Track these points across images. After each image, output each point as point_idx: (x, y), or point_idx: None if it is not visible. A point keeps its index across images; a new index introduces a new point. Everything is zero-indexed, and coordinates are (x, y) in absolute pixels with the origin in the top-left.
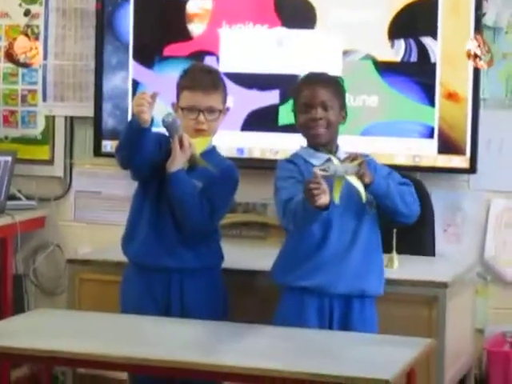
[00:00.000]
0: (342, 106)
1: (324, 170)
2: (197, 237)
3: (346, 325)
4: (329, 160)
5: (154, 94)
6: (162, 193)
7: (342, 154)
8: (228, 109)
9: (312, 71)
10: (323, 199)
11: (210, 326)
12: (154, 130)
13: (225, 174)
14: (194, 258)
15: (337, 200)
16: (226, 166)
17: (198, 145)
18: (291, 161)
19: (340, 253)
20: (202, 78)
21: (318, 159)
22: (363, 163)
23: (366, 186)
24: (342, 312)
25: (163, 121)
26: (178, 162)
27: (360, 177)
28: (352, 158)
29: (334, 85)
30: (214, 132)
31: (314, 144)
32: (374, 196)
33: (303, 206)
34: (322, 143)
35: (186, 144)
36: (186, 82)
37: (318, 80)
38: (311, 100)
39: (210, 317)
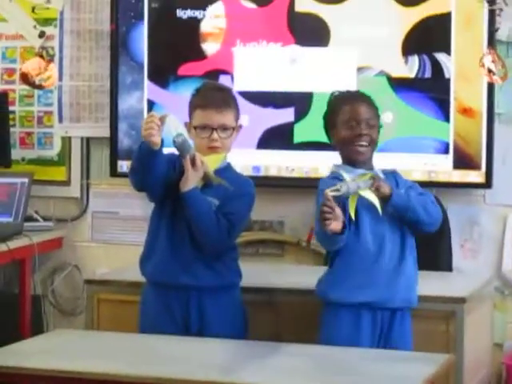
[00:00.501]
0: (379, 125)
1: (336, 190)
2: (216, 254)
3: (388, 338)
4: (341, 180)
5: (163, 116)
6: (178, 212)
7: (377, 172)
8: (241, 126)
9: (344, 91)
10: (333, 225)
11: (229, 344)
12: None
13: (241, 190)
14: (212, 276)
15: (353, 216)
16: (242, 182)
17: (211, 162)
18: (336, 177)
19: (393, 266)
20: (213, 95)
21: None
22: (376, 177)
23: (386, 199)
24: (388, 325)
25: (174, 141)
26: (190, 182)
27: (376, 189)
28: (363, 174)
29: (374, 104)
30: (228, 149)
31: (355, 161)
32: (396, 207)
33: (319, 228)
34: (364, 160)
35: (198, 163)
36: (198, 101)
37: (359, 98)
38: (356, 116)
39: (229, 335)
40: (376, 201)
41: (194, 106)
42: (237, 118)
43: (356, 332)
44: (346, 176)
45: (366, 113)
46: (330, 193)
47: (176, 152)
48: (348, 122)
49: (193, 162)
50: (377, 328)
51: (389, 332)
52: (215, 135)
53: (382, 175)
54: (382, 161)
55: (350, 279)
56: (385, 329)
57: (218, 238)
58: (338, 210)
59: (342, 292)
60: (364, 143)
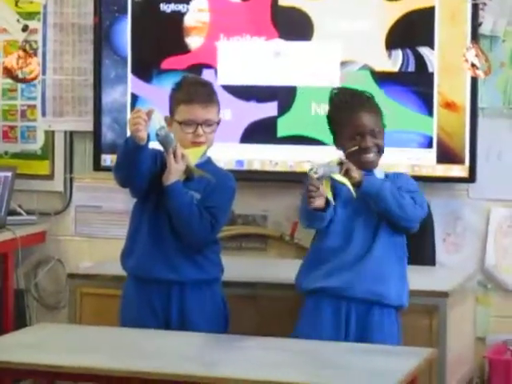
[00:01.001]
0: (383, 125)
1: (314, 172)
2: (198, 248)
3: (363, 333)
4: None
5: (150, 111)
6: (160, 206)
7: (380, 171)
8: (220, 120)
9: (343, 87)
10: (318, 202)
11: (210, 338)
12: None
13: (222, 184)
14: (193, 270)
15: (330, 198)
16: (222, 176)
17: (193, 155)
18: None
19: (359, 257)
20: (197, 91)
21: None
22: (343, 161)
23: (358, 185)
24: (359, 319)
25: (157, 135)
26: (173, 175)
27: (346, 173)
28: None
29: (377, 107)
30: (211, 144)
31: (365, 169)
32: (365, 193)
33: (305, 206)
34: (373, 168)
35: (179, 156)
36: (182, 96)
37: (362, 105)
38: (360, 129)
39: (210, 329)
40: (348, 183)
41: (177, 100)
42: (219, 111)
43: (316, 320)
44: (317, 161)
45: (369, 123)
46: (313, 175)
47: (158, 146)
48: (352, 135)
49: (174, 155)
50: (340, 318)
51: (364, 328)
52: (200, 131)
53: (382, 176)
54: None
55: (315, 267)
56: (353, 322)
57: (201, 231)
58: (321, 188)
59: (308, 280)
60: (370, 155)
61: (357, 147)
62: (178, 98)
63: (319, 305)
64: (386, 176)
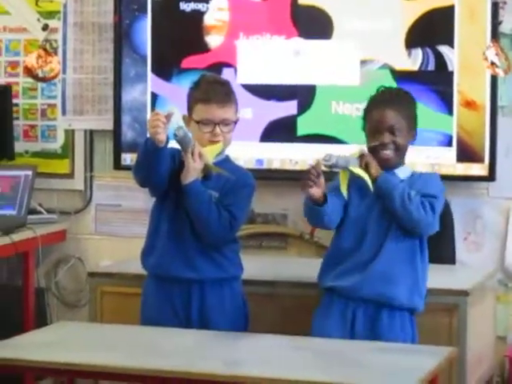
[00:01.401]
0: (412, 125)
1: (325, 160)
2: (218, 246)
3: (371, 335)
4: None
5: (169, 114)
6: (180, 205)
7: (405, 170)
8: (238, 119)
9: (384, 87)
10: (313, 190)
11: (230, 337)
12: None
13: (241, 182)
14: (213, 269)
15: (344, 192)
16: (241, 174)
17: (210, 153)
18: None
19: (370, 258)
20: (215, 90)
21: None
22: (365, 156)
23: (374, 181)
24: (367, 321)
25: (175, 135)
26: (191, 174)
27: (366, 167)
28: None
29: (404, 105)
30: (228, 143)
31: (382, 167)
32: (378, 189)
33: (305, 200)
34: (392, 166)
35: (198, 155)
36: (200, 95)
37: (386, 101)
38: (379, 125)
39: (230, 328)
40: (367, 177)
41: (195, 99)
42: (236, 111)
43: (326, 319)
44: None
45: (389, 119)
46: (321, 161)
47: (176, 145)
48: (372, 131)
49: (192, 154)
50: (346, 319)
51: (372, 329)
52: (218, 130)
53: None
54: None
55: (333, 267)
56: (360, 323)
57: (220, 229)
58: (322, 180)
59: (325, 278)
60: (387, 152)
61: (376, 143)
62: (195, 96)
63: (329, 304)
64: (412, 175)
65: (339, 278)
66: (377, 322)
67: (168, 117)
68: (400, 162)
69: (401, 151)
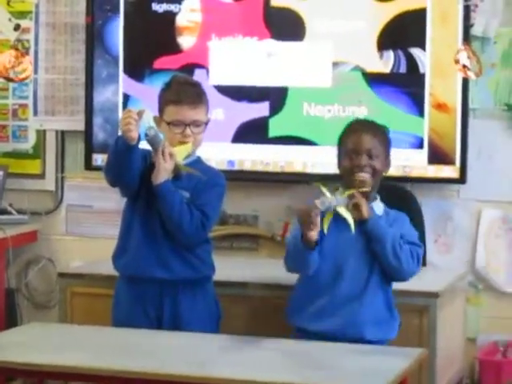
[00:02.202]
0: (388, 154)
1: (321, 205)
2: (190, 246)
3: None
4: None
5: (141, 111)
6: (151, 205)
7: (380, 203)
8: (209, 120)
9: (359, 118)
10: (312, 233)
11: (202, 338)
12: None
13: (212, 181)
14: (186, 269)
15: (326, 231)
16: (212, 174)
17: (180, 153)
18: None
19: (351, 299)
20: (186, 91)
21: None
22: (355, 195)
23: (363, 221)
24: None
25: (146, 135)
26: (162, 174)
27: (354, 208)
28: (342, 190)
29: (381, 134)
30: (199, 144)
31: (359, 191)
32: (368, 233)
33: (294, 242)
34: (366, 190)
35: (168, 155)
36: (171, 96)
37: (365, 127)
38: (357, 146)
39: (202, 329)
40: (350, 219)
41: (166, 101)
42: (207, 112)
43: None
44: (325, 191)
45: (368, 143)
46: (318, 205)
47: (146, 146)
48: (350, 152)
49: (163, 154)
50: None
51: None
52: (188, 131)
53: (381, 209)
54: None
55: (307, 304)
56: None
57: (192, 229)
58: (317, 221)
59: (300, 317)
60: (363, 174)
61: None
62: (166, 98)
63: None
64: (387, 213)
65: (319, 320)
66: None
67: (140, 114)
68: (374, 188)
69: (376, 177)
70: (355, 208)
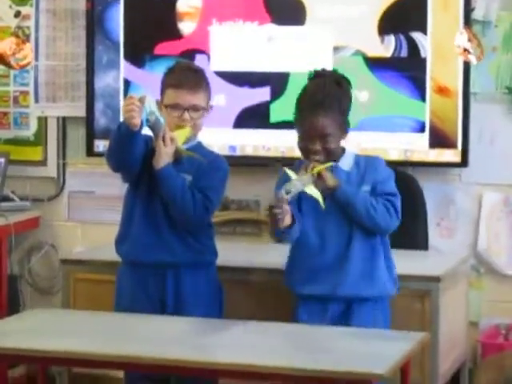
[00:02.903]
0: (344, 122)
1: (287, 192)
2: (194, 230)
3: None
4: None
5: (142, 97)
6: (153, 190)
7: (348, 157)
8: (212, 107)
9: (316, 73)
10: (286, 221)
11: (204, 323)
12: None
13: (214, 165)
14: (188, 253)
15: (320, 200)
16: (214, 157)
17: (179, 137)
18: (286, 173)
19: (337, 260)
20: (186, 76)
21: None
22: (321, 170)
23: (332, 190)
24: (340, 314)
25: (147, 120)
26: (163, 159)
27: (319, 179)
28: (306, 167)
29: (336, 105)
30: (199, 129)
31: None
32: (338, 201)
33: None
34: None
35: (169, 139)
36: (171, 80)
37: (317, 106)
38: (309, 132)
39: (205, 313)
40: (319, 196)
41: (166, 84)
42: (208, 98)
43: (306, 321)
44: (292, 175)
45: (320, 128)
46: (284, 196)
47: (148, 132)
48: (303, 135)
49: (164, 139)
50: (327, 318)
51: (345, 321)
52: (186, 115)
53: (351, 161)
54: (358, 139)
55: (297, 271)
56: (335, 317)
57: (195, 212)
58: (286, 207)
59: (293, 282)
60: (317, 157)
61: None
62: (167, 82)
63: (311, 309)
64: (357, 163)
65: (311, 282)
66: (348, 316)
67: (141, 100)
68: (336, 154)
69: (332, 154)
70: (320, 179)
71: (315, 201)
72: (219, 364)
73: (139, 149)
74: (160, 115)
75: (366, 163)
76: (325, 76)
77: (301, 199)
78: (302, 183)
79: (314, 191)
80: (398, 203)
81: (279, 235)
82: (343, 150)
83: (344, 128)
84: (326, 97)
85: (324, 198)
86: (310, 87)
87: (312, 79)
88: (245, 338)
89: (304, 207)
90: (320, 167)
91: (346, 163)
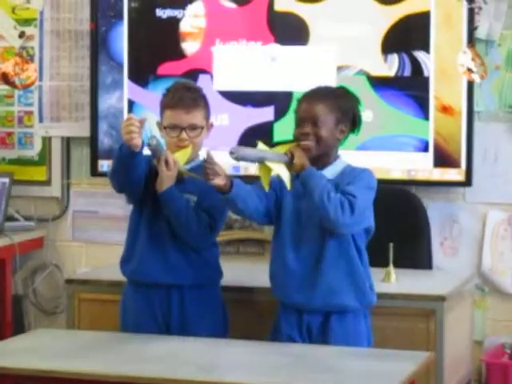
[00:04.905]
0: (341, 120)
1: (231, 153)
2: (200, 249)
3: (324, 339)
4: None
5: (142, 119)
6: (157, 211)
7: (338, 165)
8: (212, 125)
9: (319, 86)
10: (216, 180)
11: (209, 343)
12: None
13: None
14: (193, 274)
15: (266, 187)
16: None
17: (180, 157)
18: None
19: (310, 269)
20: (182, 96)
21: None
22: (291, 148)
23: (300, 170)
24: (320, 326)
25: (148, 144)
26: (166, 182)
27: (291, 158)
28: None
29: (337, 101)
30: (199, 148)
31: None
32: (302, 182)
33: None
34: (312, 157)
35: (171, 162)
36: (168, 101)
37: (315, 94)
38: (303, 114)
39: (210, 333)
40: (286, 176)
41: (163, 105)
42: (207, 116)
43: (281, 328)
44: (263, 147)
45: (313, 110)
46: (209, 153)
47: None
48: (298, 120)
49: (166, 161)
50: (302, 329)
51: (325, 334)
52: (184, 135)
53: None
54: (362, 159)
55: (276, 278)
56: (315, 330)
57: (200, 232)
58: (218, 167)
59: (276, 288)
60: (307, 142)
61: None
62: (164, 103)
63: (288, 316)
64: (343, 171)
65: (289, 292)
66: (328, 329)
67: (141, 122)
68: (326, 155)
69: (323, 144)
70: (291, 157)
71: (293, 213)
72: (223, 383)
73: (141, 169)
74: (161, 137)
75: (350, 173)
76: (331, 86)
77: (283, 208)
78: (262, 156)
79: (280, 170)
80: (357, 205)
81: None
82: (336, 158)
83: (340, 126)
84: (325, 89)
85: (292, 180)
86: (316, 87)
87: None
88: (249, 358)
89: (283, 218)
90: (292, 148)
91: (331, 171)
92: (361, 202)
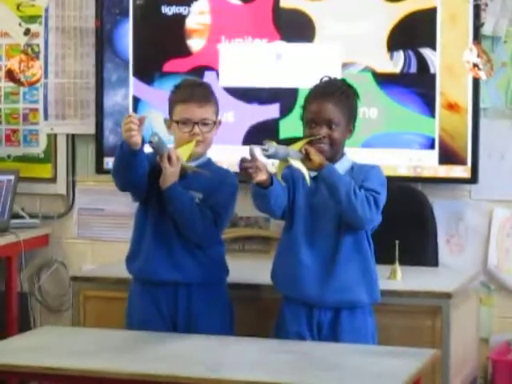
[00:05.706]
0: (350, 120)
1: (264, 150)
2: (205, 246)
3: (334, 335)
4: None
5: (142, 117)
6: (163, 208)
7: (345, 162)
8: (220, 122)
9: (327, 77)
10: (260, 176)
11: (216, 341)
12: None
13: (223, 181)
14: (200, 271)
15: (283, 183)
16: (223, 173)
17: (183, 153)
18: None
19: (325, 263)
20: (194, 90)
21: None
22: (307, 147)
23: (319, 169)
24: (330, 322)
25: (150, 142)
26: (169, 178)
27: (307, 156)
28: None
29: (345, 99)
30: (209, 144)
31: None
32: (323, 180)
33: (252, 186)
34: (328, 159)
35: (174, 159)
36: (179, 96)
37: (327, 94)
38: (317, 116)
39: (216, 330)
40: (305, 171)
41: (174, 101)
42: (217, 112)
43: (287, 324)
44: (276, 144)
45: (328, 113)
46: (255, 150)
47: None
48: (309, 122)
49: (169, 158)
50: (313, 325)
51: (335, 329)
52: (197, 129)
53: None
54: (367, 156)
55: (283, 272)
56: (326, 325)
57: (205, 228)
58: (259, 163)
59: (283, 283)
60: (322, 145)
61: (314, 137)
62: (176, 98)
63: (297, 312)
64: (352, 168)
65: (299, 287)
66: (339, 324)
67: (141, 120)
68: (336, 155)
69: (336, 146)
70: (308, 159)
71: (306, 208)
72: (231, 382)
73: (143, 167)
74: (168, 133)
75: (359, 170)
76: (336, 79)
77: (295, 203)
78: (287, 153)
79: (298, 163)
80: (381, 202)
81: (256, 191)
82: (342, 155)
83: (349, 126)
84: (336, 90)
85: (310, 177)
86: (320, 83)
87: (319, 82)
88: (256, 356)
89: (296, 213)
90: (303, 142)
91: (341, 167)
92: (382, 197)
